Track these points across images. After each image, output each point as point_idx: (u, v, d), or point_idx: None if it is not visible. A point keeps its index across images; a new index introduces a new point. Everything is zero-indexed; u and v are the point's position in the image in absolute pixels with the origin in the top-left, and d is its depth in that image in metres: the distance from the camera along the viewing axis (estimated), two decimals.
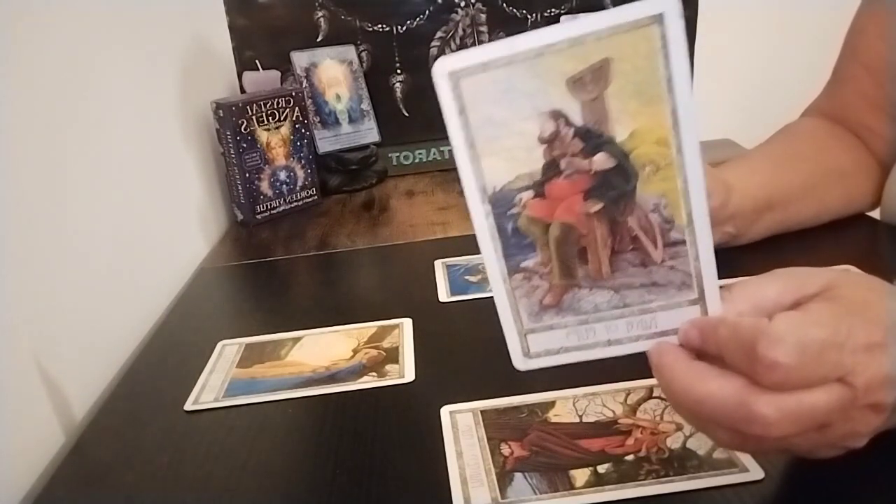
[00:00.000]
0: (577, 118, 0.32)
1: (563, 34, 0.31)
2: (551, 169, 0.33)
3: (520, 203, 0.34)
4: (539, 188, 0.34)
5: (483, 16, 1.15)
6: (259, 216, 0.93)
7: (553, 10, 1.15)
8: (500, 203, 0.34)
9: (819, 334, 0.31)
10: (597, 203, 0.34)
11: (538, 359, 0.37)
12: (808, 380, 0.31)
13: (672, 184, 0.33)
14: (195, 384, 0.51)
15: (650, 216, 0.34)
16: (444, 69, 0.32)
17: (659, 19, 0.30)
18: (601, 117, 0.32)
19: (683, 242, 0.34)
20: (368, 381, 0.50)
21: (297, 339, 0.57)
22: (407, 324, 0.58)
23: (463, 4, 1.14)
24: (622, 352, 0.36)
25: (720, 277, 0.34)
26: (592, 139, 0.33)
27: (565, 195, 0.34)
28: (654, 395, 0.44)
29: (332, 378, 0.51)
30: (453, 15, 1.14)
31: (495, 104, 0.32)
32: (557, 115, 0.32)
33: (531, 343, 0.36)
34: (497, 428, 0.43)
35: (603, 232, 0.34)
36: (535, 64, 0.32)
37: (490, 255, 0.35)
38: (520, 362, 0.37)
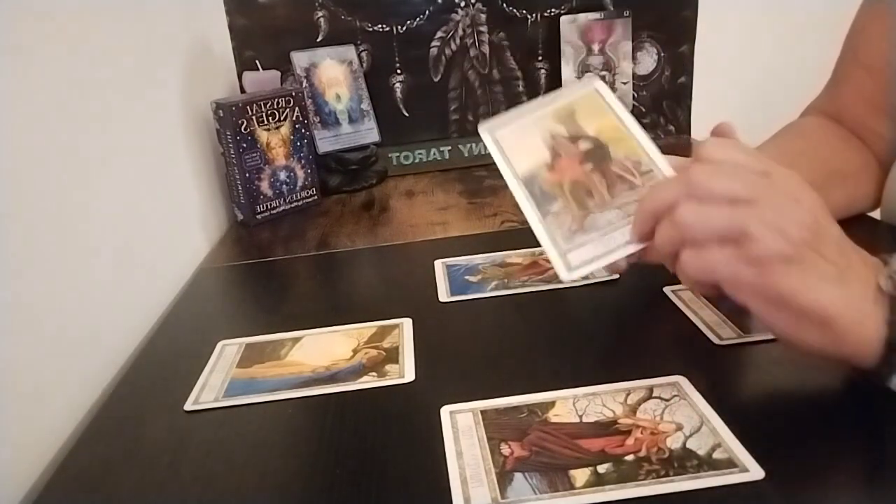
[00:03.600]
0: (565, 133, 0.52)
1: (549, 104, 0.53)
2: (556, 157, 0.51)
3: (541, 175, 0.50)
4: (551, 166, 0.51)
5: (483, 16, 1.15)
6: (259, 216, 0.93)
7: (553, 10, 1.15)
8: (528, 181, 0.50)
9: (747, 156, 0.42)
10: (589, 164, 0.50)
11: (577, 269, 0.47)
12: (735, 161, 0.42)
13: (631, 143, 0.51)
14: (195, 384, 0.51)
15: (625, 163, 0.50)
16: (485, 128, 0.53)
17: (590, 90, 0.53)
18: (578, 131, 0.52)
19: (651, 171, 0.49)
20: (368, 381, 0.50)
21: (297, 339, 0.57)
22: (407, 324, 0.58)
23: (463, 4, 1.14)
24: (637, 247, 0.47)
25: None
26: (576, 138, 0.52)
27: (568, 167, 0.51)
28: (654, 395, 0.44)
29: (332, 378, 0.51)
30: (453, 15, 1.14)
31: (519, 138, 0.52)
32: (554, 136, 0.52)
33: (571, 259, 0.48)
34: (497, 428, 0.43)
35: (598, 178, 0.50)
36: (536, 121, 0.53)
37: (528, 209, 0.49)
38: (565, 275, 0.47)
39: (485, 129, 0.53)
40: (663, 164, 0.49)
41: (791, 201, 0.40)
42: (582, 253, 0.48)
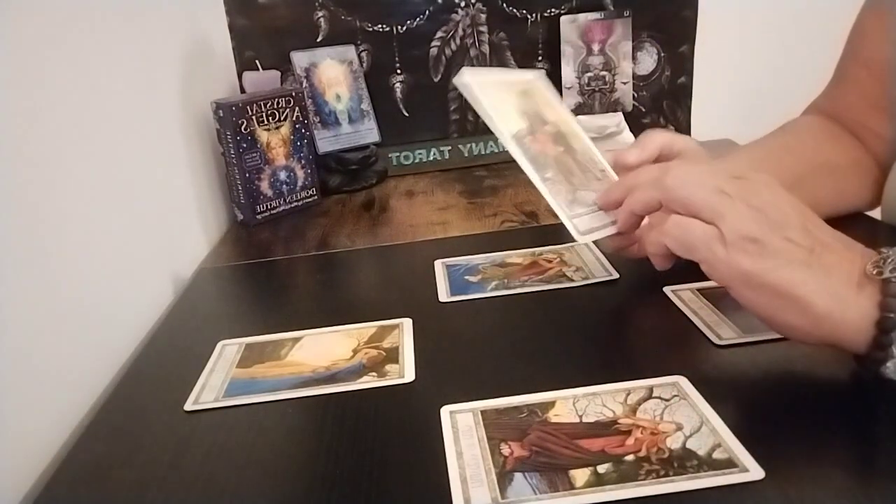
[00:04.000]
0: (531, 109, 0.58)
1: (515, 77, 0.62)
2: (532, 130, 0.57)
3: (528, 142, 0.55)
4: (533, 134, 0.57)
5: (483, 16, 1.15)
6: (259, 216, 0.93)
7: (553, 10, 1.15)
8: (520, 140, 0.55)
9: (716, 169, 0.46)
10: (560, 147, 0.58)
11: (587, 235, 0.54)
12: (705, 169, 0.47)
13: (583, 142, 0.59)
14: (195, 384, 0.51)
15: (584, 156, 0.58)
16: (468, 74, 0.55)
17: (537, 79, 0.61)
18: (539, 112, 0.59)
19: (605, 170, 0.59)
20: (368, 381, 0.50)
21: (297, 339, 0.57)
22: (407, 324, 0.58)
23: (463, 4, 1.14)
24: (617, 230, 0.55)
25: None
26: (542, 120, 0.59)
27: (545, 142, 0.57)
28: (654, 395, 0.44)
29: (332, 378, 0.51)
30: (453, 15, 1.14)
31: (495, 93, 0.56)
32: (525, 107, 0.58)
33: (577, 224, 0.54)
34: (497, 428, 0.43)
35: (571, 162, 0.57)
36: (507, 84, 0.59)
37: (528, 168, 0.54)
38: (578, 237, 0.53)
39: (467, 75, 0.54)
40: (610, 169, 0.59)
41: (757, 195, 0.43)
42: (582, 222, 0.53)
